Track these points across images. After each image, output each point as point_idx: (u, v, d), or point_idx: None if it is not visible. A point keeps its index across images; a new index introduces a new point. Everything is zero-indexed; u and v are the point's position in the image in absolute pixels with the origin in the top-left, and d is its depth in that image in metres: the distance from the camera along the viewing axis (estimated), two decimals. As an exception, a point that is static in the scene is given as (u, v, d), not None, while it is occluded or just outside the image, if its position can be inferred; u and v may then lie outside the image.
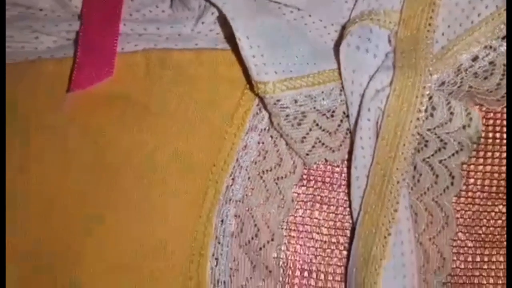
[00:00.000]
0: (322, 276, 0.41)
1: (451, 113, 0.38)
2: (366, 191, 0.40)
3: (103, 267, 0.39)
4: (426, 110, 0.38)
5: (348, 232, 0.42)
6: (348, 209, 0.42)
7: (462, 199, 0.42)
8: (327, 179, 0.43)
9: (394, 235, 0.39)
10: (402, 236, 0.39)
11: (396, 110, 0.38)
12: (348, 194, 0.41)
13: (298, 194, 0.42)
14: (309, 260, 0.42)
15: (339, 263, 0.42)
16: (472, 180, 0.42)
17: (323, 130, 0.41)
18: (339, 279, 0.41)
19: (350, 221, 0.42)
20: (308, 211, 0.42)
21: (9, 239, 0.39)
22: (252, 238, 0.40)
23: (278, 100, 0.39)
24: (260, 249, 0.40)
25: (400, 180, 0.38)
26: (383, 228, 0.38)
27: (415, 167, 0.41)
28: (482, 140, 0.42)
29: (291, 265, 0.41)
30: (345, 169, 0.43)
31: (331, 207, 0.42)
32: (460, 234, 0.42)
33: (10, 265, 0.39)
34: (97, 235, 0.39)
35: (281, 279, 0.41)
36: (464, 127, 0.38)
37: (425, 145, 0.40)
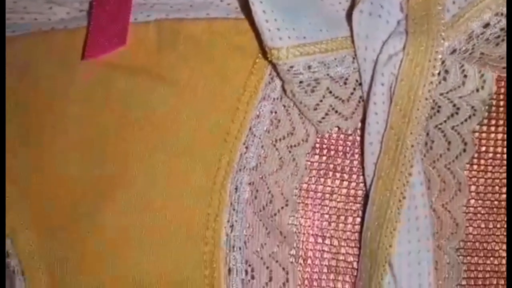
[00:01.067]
0: (336, 242, 0.42)
1: (465, 76, 0.38)
2: (379, 157, 0.40)
3: (111, 247, 0.39)
4: (439, 74, 0.38)
5: (361, 200, 0.42)
6: (361, 177, 0.42)
7: (475, 167, 0.42)
8: (340, 148, 0.43)
9: (408, 199, 0.39)
10: (416, 200, 0.39)
11: (409, 74, 0.38)
12: (361, 161, 0.41)
13: (311, 162, 0.42)
14: (322, 227, 0.42)
15: (352, 230, 0.42)
16: (484, 148, 0.43)
17: (336, 97, 0.41)
18: (353, 245, 0.42)
19: (364, 189, 0.42)
20: (321, 179, 0.42)
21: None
22: (267, 204, 0.40)
23: (292, 67, 0.39)
24: (275, 214, 0.40)
25: (414, 144, 0.38)
26: (397, 191, 0.38)
27: (427, 134, 0.41)
28: (494, 108, 0.42)
29: (305, 231, 0.42)
30: (357, 138, 0.43)
31: (344, 175, 0.42)
32: (472, 201, 0.42)
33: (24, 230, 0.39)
34: (104, 220, 0.39)
35: (295, 244, 0.41)
36: (477, 89, 0.39)
37: (438, 111, 0.40)
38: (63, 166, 0.40)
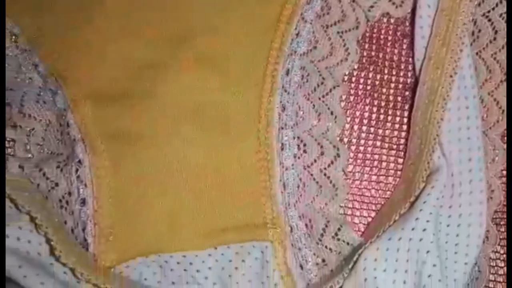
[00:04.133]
0: (384, 126, 0.43)
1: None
2: (430, 39, 0.41)
3: (165, 123, 0.40)
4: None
5: (410, 87, 0.43)
6: (410, 66, 0.43)
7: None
8: (389, 38, 0.44)
9: (458, 79, 0.40)
10: (465, 81, 0.40)
11: (461, -46, 0.39)
12: (411, 45, 0.42)
13: (361, 51, 0.43)
14: (373, 112, 0.43)
15: (402, 116, 0.43)
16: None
17: (387, -18, 0.42)
18: (401, 130, 0.43)
19: (412, 79, 0.43)
20: (371, 67, 0.43)
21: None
22: (318, 86, 0.41)
23: None
24: (327, 94, 0.41)
25: (466, 22, 0.39)
26: (449, 68, 0.39)
27: (475, 23, 0.42)
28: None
29: (353, 115, 0.43)
30: (406, 29, 0.44)
31: (393, 64, 0.43)
32: (518, 91, 0.43)
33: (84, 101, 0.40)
34: (160, 96, 0.41)
35: (345, 127, 0.42)
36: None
37: (488, -2, 0.41)
38: (120, 46, 0.41)
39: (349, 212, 0.42)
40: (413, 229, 0.36)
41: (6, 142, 0.41)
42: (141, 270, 0.38)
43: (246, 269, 0.39)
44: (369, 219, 0.42)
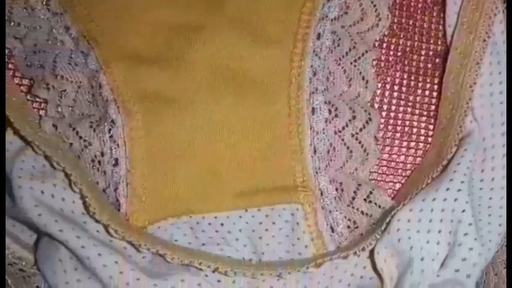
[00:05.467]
0: (414, 91, 0.43)
1: None
2: (463, 4, 0.41)
3: (197, 86, 0.40)
4: None
5: (440, 54, 0.43)
6: (440, 33, 0.43)
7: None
8: (420, 5, 0.44)
9: (491, 45, 0.40)
10: (498, 46, 0.40)
11: None
12: (442, 13, 0.42)
13: (392, 18, 0.43)
14: (401, 78, 0.43)
15: (431, 82, 0.43)
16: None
17: (419, -51, 0.42)
18: (430, 95, 0.42)
19: (442, 46, 0.43)
20: (401, 34, 0.43)
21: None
22: (350, 50, 0.41)
23: None
24: (359, 58, 0.41)
25: (500, -13, 0.39)
26: (482, 32, 0.39)
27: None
28: None
29: (384, 81, 0.43)
30: (437, -4, 0.44)
31: (423, 31, 0.43)
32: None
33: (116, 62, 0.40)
34: (194, 58, 0.41)
35: (375, 91, 0.42)
36: None
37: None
38: (153, 9, 0.41)
39: (379, 178, 0.42)
40: (447, 189, 0.36)
41: (38, 103, 0.41)
42: (172, 232, 0.38)
43: (276, 231, 0.39)
44: (399, 185, 0.42)
